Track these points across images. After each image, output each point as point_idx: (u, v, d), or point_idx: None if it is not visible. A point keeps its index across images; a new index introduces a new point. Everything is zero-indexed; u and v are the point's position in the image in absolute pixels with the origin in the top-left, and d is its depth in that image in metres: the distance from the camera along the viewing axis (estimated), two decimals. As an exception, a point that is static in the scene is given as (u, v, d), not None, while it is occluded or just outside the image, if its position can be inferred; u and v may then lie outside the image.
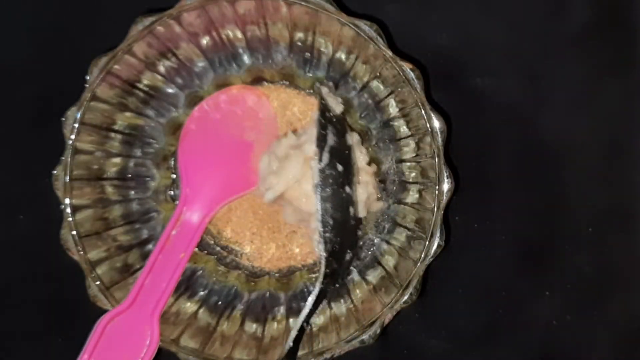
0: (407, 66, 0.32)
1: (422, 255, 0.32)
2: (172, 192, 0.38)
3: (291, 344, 0.31)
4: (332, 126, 0.33)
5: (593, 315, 0.38)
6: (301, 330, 0.31)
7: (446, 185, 0.32)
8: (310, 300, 0.32)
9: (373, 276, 0.35)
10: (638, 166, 0.39)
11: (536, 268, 0.39)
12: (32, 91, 0.39)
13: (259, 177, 0.36)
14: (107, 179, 0.34)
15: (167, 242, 0.34)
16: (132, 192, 0.36)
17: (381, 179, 0.37)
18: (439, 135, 0.32)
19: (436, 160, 0.32)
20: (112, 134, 0.34)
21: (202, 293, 0.36)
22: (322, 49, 0.35)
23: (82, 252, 0.32)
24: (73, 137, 0.31)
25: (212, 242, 0.38)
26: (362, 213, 0.34)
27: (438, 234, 0.31)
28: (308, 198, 0.33)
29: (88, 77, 0.32)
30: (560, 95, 0.39)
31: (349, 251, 0.34)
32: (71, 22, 0.39)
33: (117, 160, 0.35)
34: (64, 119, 0.32)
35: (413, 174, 0.35)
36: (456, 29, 0.39)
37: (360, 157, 0.35)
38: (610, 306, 0.38)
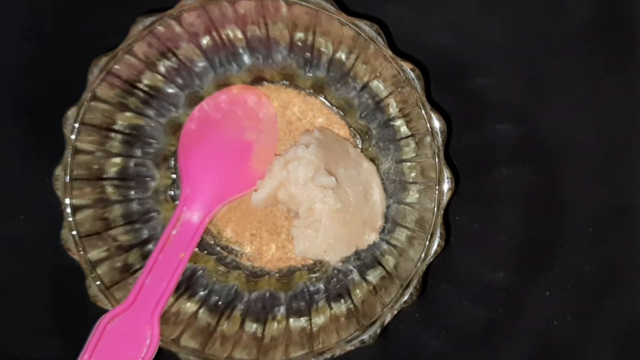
0: (407, 66, 0.32)
1: (422, 255, 0.32)
2: (172, 192, 0.38)
3: None
4: None
5: (593, 315, 0.38)
6: None
7: (446, 185, 0.32)
8: None
9: (373, 276, 0.35)
10: (638, 166, 0.39)
11: (536, 268, 0.39)
12: (33, 91, 0.39)
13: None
14: (107, 179, 0.34)
15: (167, 242, 0.34)
16: (132, 192, 0.36)
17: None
18: (439, 135, 0.32)
19: (436, 160, 0.32)
20: (113, 134, 0.34)
21: (202, 293, 0.36)
22: (322, 49, 0.35)
23: (82, 252, 0.32)
24: (73, 137, 0.31)
25: (213, 242, 0.38)
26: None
27: (438, 234, 0.31)
28: (294, 198, 0.34)
29: (88, 77, 0.32)
30: (560, 95, 0.39)
31: None
32: (71, 22, 0.39)
33: (117, 160, 0.35)
34: (64, 119, 0.32)
35: (413, 174, 0.35)
36: (456, 29, 0.39)
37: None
38: (610, 306, 0.38)
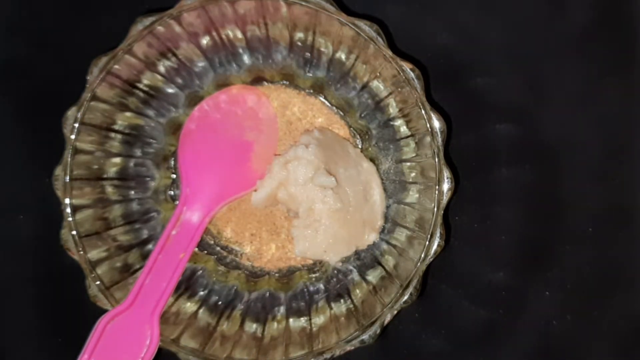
0: (407, 66, 0.32)
1: (422, 255, 0.32)
2: (172, 192, 0.38)
3: None
4: None
5: (593, 315, 0.38)
6: None
7: (446, 185, 0.32)
8: None
9: (373, 276, 0.35)
10: (638, 166, 0.39)
11: (536, 268, 0.39)
12: (32, 91, 0.39)
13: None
14: (107, 179, 0.34)
15: (167, 242, 0.34)
16: (132, 192, 0.36)
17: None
18: (439, 135, 0.32)
19: (436, 160, 0.32)
20: (112, 134, 0.34)
21: (202, 293, 0.36)
22: (322, 49, 0.35)
23: (82, 252, 0.32)
24: (73, 137, 0.31)
25: (212, 242, 0.38)
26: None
27: (438, 234, 0.31)
28: (294, 198, 0.34)
29: (88, 77, 0.32)
30: (560, 95, 0.39)
31: None
32: (71, 22, 0.39)
33: (117, 160, 0.35)
34: (64, 119, 0.32)
35: (413, 174, 0.35)
36: (456, 29, 0.39)
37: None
38: (610, 306, 0.38)
